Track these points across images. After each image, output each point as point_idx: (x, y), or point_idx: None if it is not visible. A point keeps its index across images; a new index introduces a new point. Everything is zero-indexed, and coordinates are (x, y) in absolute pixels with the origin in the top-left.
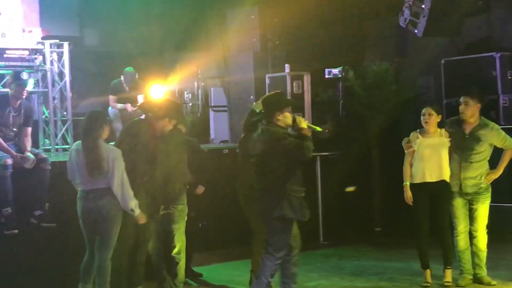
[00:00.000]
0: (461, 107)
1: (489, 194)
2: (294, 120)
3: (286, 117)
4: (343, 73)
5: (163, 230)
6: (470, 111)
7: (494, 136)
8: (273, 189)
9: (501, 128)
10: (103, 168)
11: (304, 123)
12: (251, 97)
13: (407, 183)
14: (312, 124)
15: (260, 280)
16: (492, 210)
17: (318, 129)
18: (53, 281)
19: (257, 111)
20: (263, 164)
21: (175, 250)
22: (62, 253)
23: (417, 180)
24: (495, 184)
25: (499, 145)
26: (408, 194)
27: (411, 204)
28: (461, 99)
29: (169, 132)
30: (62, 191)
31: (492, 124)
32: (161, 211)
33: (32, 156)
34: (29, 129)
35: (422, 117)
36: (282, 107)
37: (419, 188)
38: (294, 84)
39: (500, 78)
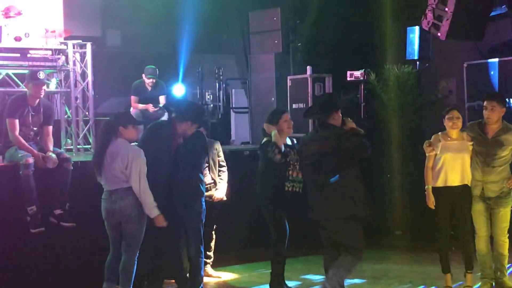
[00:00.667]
0: (487, 112)
1: (511, 199)
2: (343, 122)
3: (339, 118)
4: (365, 76)
5: (182, 231)
6: (497, 115)
7: None
8: (338, 189)
9: None
10: (119, 167)
11: (352, 124)
12: (272, 99)
13: (429, 187)
14: None
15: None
16: None
17: (361, 131)
18: (77, 280)
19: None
20: (323, 164)
21: (193, 252)
22: (82, 252)
23: (439, 184)
24: None
25: None
26: (431, 198)
27: (434, 207)
28: (486, 104)
29: (191, 135)
30: (84, 190)
31: None
32: (180, 212)
33: (54, 155)
34: (50, 128)
35: (446, 120)
36: (338, 107)
37: (440, 192)
38: (316, 86)
39: None
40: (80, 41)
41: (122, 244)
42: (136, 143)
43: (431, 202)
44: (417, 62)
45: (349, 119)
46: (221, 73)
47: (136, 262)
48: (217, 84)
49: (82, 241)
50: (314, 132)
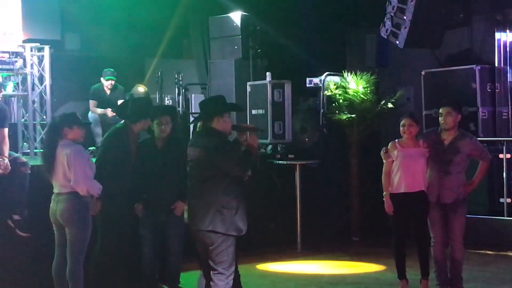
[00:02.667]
0: (443, 118)
1: (466, 205)
2: (239, 128)
3: (226, 123)
4: (325, 83)
5: (157, 235)
6: (452, 121)
7: (472, 147)
8: (206, 200)
9: (480, 141)
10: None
11: (245, 135)
12: None
13: (387, 193)
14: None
15: None
16: (468, 222)
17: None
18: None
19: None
20: (197, 172)
21: (175, 258)
22: (37, 258)
23: (396, 190)
24: (470, 196)
25: (475, 157)
26: (389, 204)
27: (392, 214)
28: (442, 110)
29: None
30: (40, 194)
31: (470, 135)
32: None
33: (6, 160)
34: (4, 131)
35: (401, 128)
36: (222, 112)
37: (398, 198)
38: (275, 92)
39: (479, 90)
40: (38, 44)
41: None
42: (94, 148)
43: (389, 208)
44: (376, 70)
45: (245, 126)
46: (180, 78)
47: (81, 267)
48: (176, 89)
49: (39, 247)
50: (198, 137)
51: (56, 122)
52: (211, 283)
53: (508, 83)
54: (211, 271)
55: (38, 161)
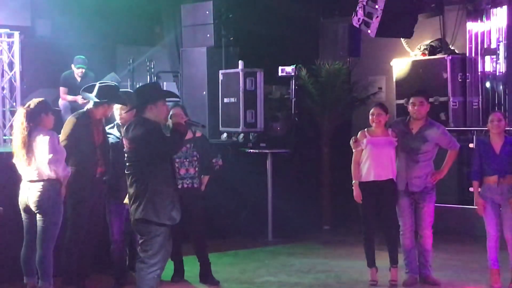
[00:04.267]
0: (415, 108)
1: (434, 194)
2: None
3: (161, 111)
4: (296, 72)
5: (124, 222)
6: (425, 110)
7: (440, 136)
8: (138, 189)
9: (451, 130)
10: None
11: (178, 119)
12: (204, 92)
13: (356, 182)
14: None
15: None
16: (437, 211)
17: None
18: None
19: None
20: (130, 162)
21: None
22: (6, 246)
23: (365, 178)
24: (440, 185)
25: (444, 146)
26: (358, 193)
27: (361, 202)
28: (414, 100)
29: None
30: (8, 181)
31: (438, 124)
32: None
33: None
34: None
35: (370, 117)
36: (156, 99)
37: (366, 187)
38: (247, 81)
39: (450, 80)
40: (7, 30)
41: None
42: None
43: (358, 196)
44: (348, 59)
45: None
46: (152, 66)
47: (51, 255)
48: (148, 76)
49: (7, 235)
50: (129, 127)
51: (32, 109)
52: (138, 272)
53: (479, 73)
54: (137, 259)
55: (9, 148)
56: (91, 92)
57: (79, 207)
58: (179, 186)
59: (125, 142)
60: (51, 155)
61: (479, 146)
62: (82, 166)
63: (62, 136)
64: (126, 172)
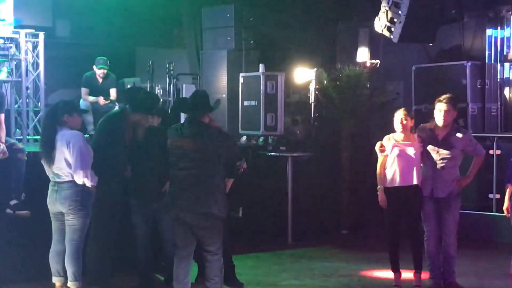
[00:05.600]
0: (443, 115)
1: (460, 200)
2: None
3: (210, 119)
4: (317, 75)
5: (150, 224)
6: (451, 117)
7: (466, 143)
8: (202, 185)
9: None
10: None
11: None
12: (223, 95)
13: (381, 187)
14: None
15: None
16: (461, 217)
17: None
18: (29, 272)
19: None
20: (192, 160)
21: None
22: (37, 243)
23: (390, 184)
24: (463, 192)
25: (469, 152)
26: (383, 198)
27: (386, 207)
28: (442, 107)
29: (149, 128)
30: (35, 181)
31: (464, 131)
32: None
33: (2, 146)
34: (1, 116)
35: (396, 121)
36: (213, 109)
37: (392, 192)
38: (268, 84)
39: (469, 86)
40: (32, 30)
41: (66, 238)
42: (87, 136)
43: (383, 201)
44: (367, 64)
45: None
46: (172, 68)
47: (81, 256)
48: (167, 79)
49: (35, 234)
50: (184, 128)
51: (56, 109)
52: (207, 264)
53: (498, 79)
54: (205, 254)
55: (32, 148)
56: (134, 95)
57: (103, 207)
58: None
59: (184, 141)
60: (80, 163)
61: None
62: (112, 167)
63: (96, 135)
64: (175, 171)
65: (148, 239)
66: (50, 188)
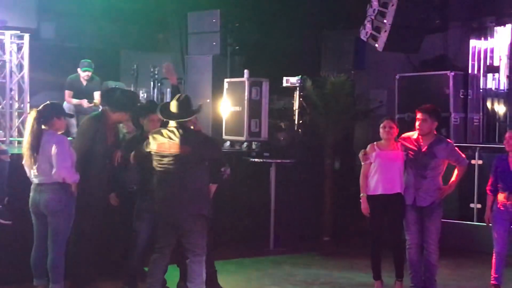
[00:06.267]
0: (419, 124)
1: (442, 209)
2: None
3: (194, 123)
4: (301, 83)
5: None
6: (428, 128)
7: (448, 152)
8: (191, 187)
9: None
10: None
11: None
12: (208, 100)
13: (364, 195)
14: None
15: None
16: (443, 226)
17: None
18: (11, 275)
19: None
20: (180, 163)
21: None
22: (18, 247)
23: (373, 192)
24: (445, 201)
25: (452, 162)
26: (366, 206)
27: (368, 215)
28: (419, 116)
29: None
30: (19, 183)
31: (447, 141)
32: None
33: None
34: None
35: (382, 129)
36: (197, 113)
37: (374, 200)
38: (253, 90)
39: (452, 96)
40: (18, 32)
41: (48, 239)
42: (71, 138)
43: (366, 209)
44: (352, 72)
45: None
46: (156, 72)
47: (63, 258)
48: (152, 83)
49: (17, 236)
50: (171, 133)
51: (45, 112)
52: (191, 264)
53: (481, 90)
54: (190, 255)
55: (15, 150)
56: (111, 95)
57: (88, 211)
58: None
59: (172, 146)
60: (62, 160)
61: (496, 161)
62: (94, 169)
63: (78, 138)
64: (161, 174)
65: (147, 244)
66: (32, 190)
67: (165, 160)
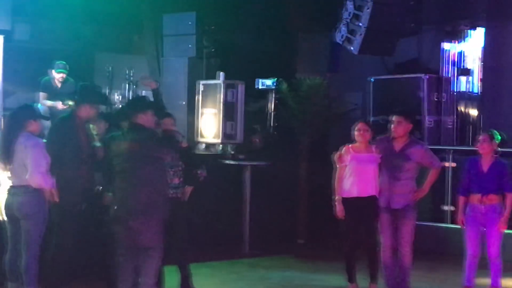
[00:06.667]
0: (394, 126)
1: (415, 212)
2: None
3: (149, 120)
4: (277, 85)
5: None
6: (403, 130)
7: (422, 155)
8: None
9: None
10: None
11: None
12: (183, 102)
13: (339, 197)
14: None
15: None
16: (416, 228)
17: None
18: None
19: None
20: (134, 163)
21: None
22: None
23: (347, 194)
24: (418, 203)
25: (426, 165)
26: (340, 208)
27: (343, 218)
28: (394, 118)
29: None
30: None
31: (421, 143)
32: None
33: None
34: None
35: (356, 132)
36: (145, 109)
37: (349, 203)
38: (228, 92)
39: (426, 99)
40: None
41: (22, 243)
42: (45, 141)
43: (340, 212)
44: (327, 74)
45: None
46: (131, 74)
47: (37, 261)
48: (127, 85)
49: None
50: (127, 132)
51: (21, 114)
52: (146, 259)
53: (454, 93)
54: (148, 250)
55: None
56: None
57: (67, 214)
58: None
59: (123, 145)
60: (37, 166)
61: (469, 164)
62: (70, 170)
63: (49, 140)
64: (124, 174)
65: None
66: (6, 192)
67: (120, 159)
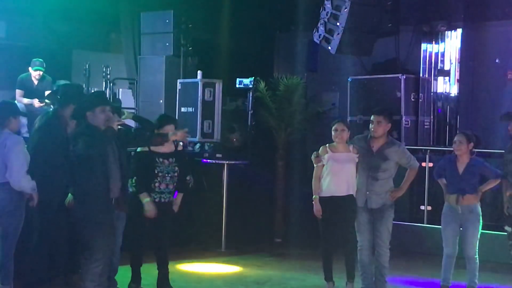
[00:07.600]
0: (374, 126)
1: (393, 211)
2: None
3: (97, 118)
4: (255, 84)
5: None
6: (382, 130)
7: (400, 155)
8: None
9: None
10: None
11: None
12: (161, 101)
13: (316, 197)
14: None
15: None
16: (394, 228)
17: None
18: None
19: None
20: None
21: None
22: None
23: (325, 193)
24: (396, 203)
25: (403, 164)
26: (318, 207)
27: (321, 217)
28: (374, 118)
29: None
30: None
31: (399, 143)
32: None
33: None
34: None
35: (333, 132)
36: (92, 107)
37: (326, 202)
38: (206, 91)
39: (403, 99)
40: None
41: None
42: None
43: (318, 211)
44: (305, 74)
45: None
46: (108, 72)
47: (12, 259)
48: (104, 83)
49: None
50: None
51: (0, 111)
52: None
53: (432, 93)
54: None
55: None
56: (56, 94)
57: (48, 213)
58: (156, 200)
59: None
60: (19, 166)
61: (444, 163)
62: (53, 170)
63: (37, 137)
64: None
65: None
66: None
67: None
